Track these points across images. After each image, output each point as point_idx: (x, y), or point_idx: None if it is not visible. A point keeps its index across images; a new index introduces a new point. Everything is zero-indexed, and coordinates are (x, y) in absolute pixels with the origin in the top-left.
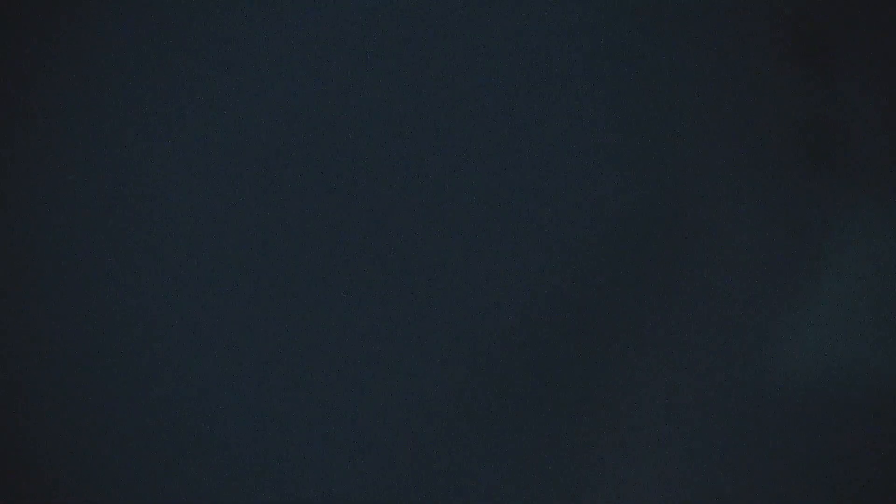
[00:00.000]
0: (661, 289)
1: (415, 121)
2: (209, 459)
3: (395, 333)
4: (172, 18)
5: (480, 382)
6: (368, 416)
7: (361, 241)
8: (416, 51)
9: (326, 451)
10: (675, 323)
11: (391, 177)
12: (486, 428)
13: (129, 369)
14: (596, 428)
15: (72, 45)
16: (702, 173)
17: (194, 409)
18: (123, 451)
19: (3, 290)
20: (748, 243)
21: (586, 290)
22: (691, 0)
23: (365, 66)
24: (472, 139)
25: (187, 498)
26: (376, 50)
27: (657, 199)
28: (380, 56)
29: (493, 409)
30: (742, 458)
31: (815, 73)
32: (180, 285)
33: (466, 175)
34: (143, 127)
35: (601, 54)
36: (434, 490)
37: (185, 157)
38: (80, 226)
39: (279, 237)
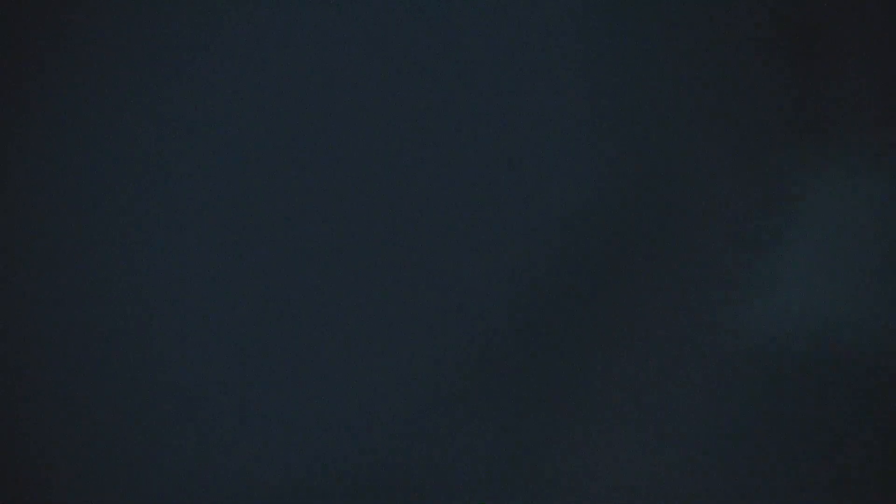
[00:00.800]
0: (641, 261)
1: (403, 119)
2: (201, 440)
3: (383, 320)
4: (173, 17)
5: (464, 367)
6: (356, 401)
7: (351, 231)
8: (397, 47)
9: (316, 433)
10: (654, 295)
11: (379, 172)
12: (470, 410)
13: (124, 359)
14: (577, 400)
15: (72, 44)
16: (680, 149)
17: (188, 384)
18: (118, 442)
19: None
20: (724, 214)
21: (568, 269)
22: None
23: (349, 56)
24: (455, 131)
25: (184, 467)
26: (355, 39)
27: (638, 175)
28: (357, 47)
29: (477, 390)
30: (719, 423)
31: (796, 55)
32: (172, 273)
33: (452, 165)
34: (141, 126)
35: (581, 41)
36: (418, 470)
37: (182, 155)
38: (76, 221)
39: (272, 230)
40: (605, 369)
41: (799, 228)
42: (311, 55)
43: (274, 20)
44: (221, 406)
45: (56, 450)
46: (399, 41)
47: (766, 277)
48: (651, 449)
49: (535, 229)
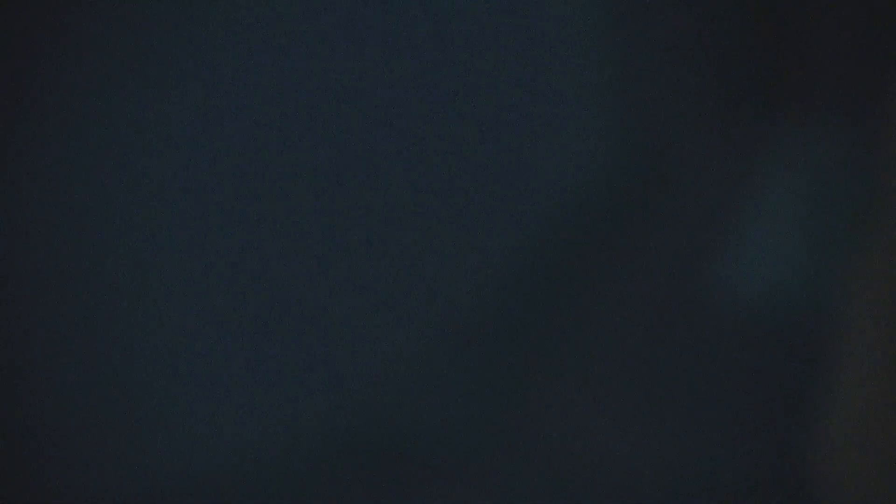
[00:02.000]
0: (625, 233)
1: (400, 112)
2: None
3: (383, 292)
4: (172, 18)
5: (454, 338)
6: (346, 370)
7: (350, 207)
8: (392, 38)
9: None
10: (637, 263)
11: (377, 156)
12: (459, 377)
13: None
14: (563, 366)
15: (71, 44)
16: (661, 121)
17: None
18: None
19: None
20: (702, 185)
21: (555, 238)
22: None
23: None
24: (453, 117)
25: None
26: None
27: (620, 146)
28: (358, 40)
29: (467, 359)
30: (691, 385)
31: (772, 29)
32: (171, 270)
33: (454, 148)
34: (140, 126)
35: (568, 24)
36: (410, 432)
37: (178, 153)
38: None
39: (260, 214)
40: (590, 338)
41: (776, 197)
42: (307, 45)
43: (273, 20)
44: (214, 383)
45: (47, 436)
46: (394, 31)
47: (744, 245)
48: (633, 411)
49: (524, 206)
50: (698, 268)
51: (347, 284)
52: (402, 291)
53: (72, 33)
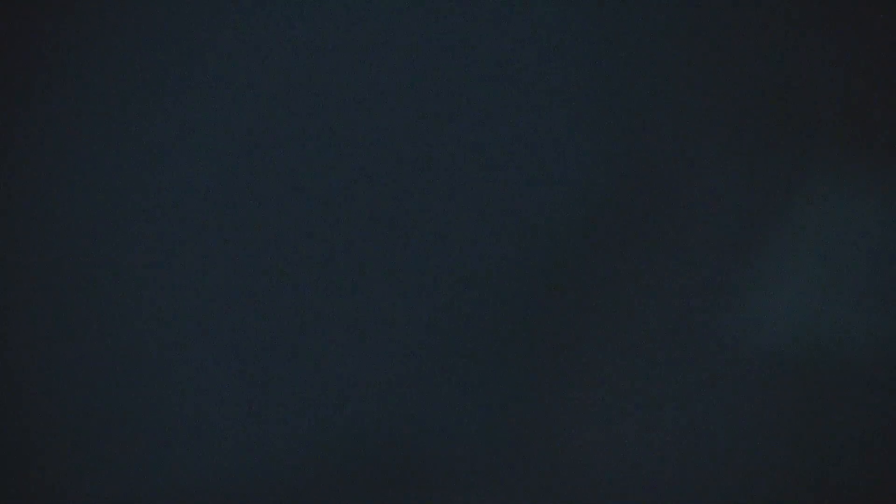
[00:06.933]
0: (639, 255)
1: (401, 118)
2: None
3: (384, 296)
4: (172, 17)
5: (457, 356)
6: (351, 379)
7: (353, 216)
8: (390, 43)
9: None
10: (650, 289)
11: (381, 162)
12: (463, 394)
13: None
14: (568, 393)
15: (71, 44)
16: (675, 151)
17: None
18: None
19: None
20: (721, 212)
21: (565, 265)
22: None
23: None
24: (455, 126)
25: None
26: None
27: (635, 176)
28: (356, 45)
29: (471, 379)
30: (714, 423)
31: (790, 59)
32: (172, 269)
33: (456, 155)
34: (140, 128)
35: (576, 41)
36: (413, 431)
37: (178, 155)
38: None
39: (267, 220)
40: (598, 367)
41: (794, 233)
42: (306, 48)
43: (274, 20)
44: (221, 392)
45: (53, 440)
46: (392, 36)
47: (760, 281)
48: (638, 417)
49: (531, 229)
50: (706, 284)
51: (348, 289)
52: (404, 295)
53: (72, 33)
